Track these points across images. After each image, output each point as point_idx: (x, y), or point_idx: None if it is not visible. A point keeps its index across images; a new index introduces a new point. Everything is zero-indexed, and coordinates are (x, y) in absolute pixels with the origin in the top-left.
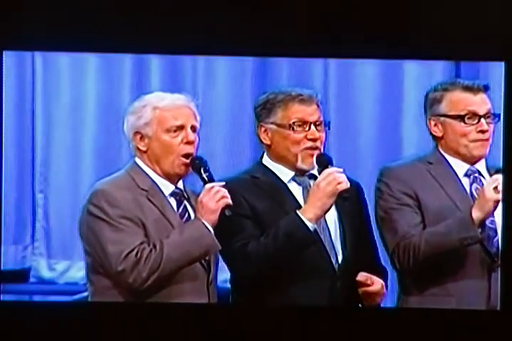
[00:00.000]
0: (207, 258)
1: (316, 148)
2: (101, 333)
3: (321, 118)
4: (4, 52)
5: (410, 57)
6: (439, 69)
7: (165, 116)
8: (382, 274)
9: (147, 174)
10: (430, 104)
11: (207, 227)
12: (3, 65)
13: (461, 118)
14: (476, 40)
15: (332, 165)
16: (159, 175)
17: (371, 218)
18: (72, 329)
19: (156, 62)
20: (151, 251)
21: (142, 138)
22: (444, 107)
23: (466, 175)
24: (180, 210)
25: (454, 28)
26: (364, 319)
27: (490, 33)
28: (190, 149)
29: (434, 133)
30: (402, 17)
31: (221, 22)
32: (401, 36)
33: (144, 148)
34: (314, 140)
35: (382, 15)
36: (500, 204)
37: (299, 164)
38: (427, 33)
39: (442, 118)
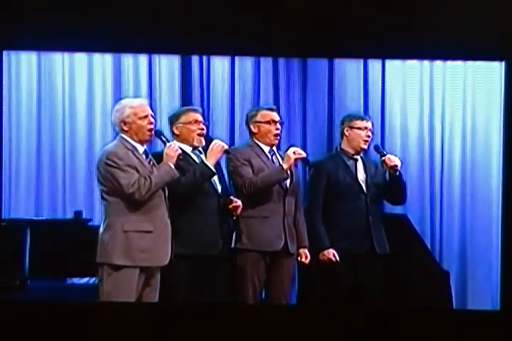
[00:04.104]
0: None
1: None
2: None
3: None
4: (4, 52)
5: (410, 57)
6: None
7: (137, 111)
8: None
9: (130, 142)
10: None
11: (170, 166)
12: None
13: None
14: (476, 40)
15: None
16: (136, 142)
17: None
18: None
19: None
20: (145, 179)
21: (125, 124)
22: None
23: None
24: (148, 160)
25: (454, 28)
26: (363, 318)
27: (490, 33)
28: (151, 126)
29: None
30: (402, 17)
31: (221, 22)
32: (401, 36)
33: (126, 129)
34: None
35: (382, 15)
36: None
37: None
38: (427, 33)
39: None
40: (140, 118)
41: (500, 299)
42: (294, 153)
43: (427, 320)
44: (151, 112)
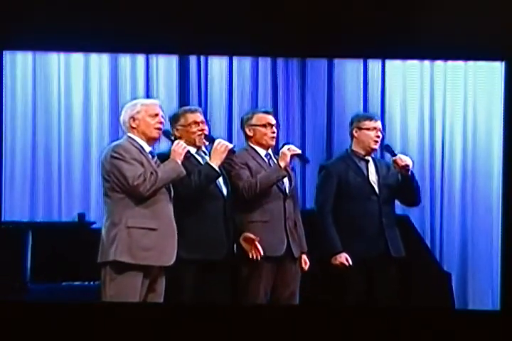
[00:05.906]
0: None
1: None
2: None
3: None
4: (4, 52)
5: (410, 57)
6: None
7: (148, 109)
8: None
9: (137, 141)
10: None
11: (177, 162)
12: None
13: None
14: (476, 40)
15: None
16: (143, 140)
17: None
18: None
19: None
20: (151, 173)
21: (134, 120)
22: None
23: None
24: (154, 160)
25: (454, 28)
26: (364, 318)
27: (490, 33)
28: (160, 126)
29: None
30: (402, 17)
31: (220, 22)
32: (401, 36)
33: (134, 126)
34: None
35: (382, 15)
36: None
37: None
38: (427, 33)
39: None
40: (150, 115)
41: (500, 299)
42: (288, 150)
43: (427, 320)
44: (161, 113)
